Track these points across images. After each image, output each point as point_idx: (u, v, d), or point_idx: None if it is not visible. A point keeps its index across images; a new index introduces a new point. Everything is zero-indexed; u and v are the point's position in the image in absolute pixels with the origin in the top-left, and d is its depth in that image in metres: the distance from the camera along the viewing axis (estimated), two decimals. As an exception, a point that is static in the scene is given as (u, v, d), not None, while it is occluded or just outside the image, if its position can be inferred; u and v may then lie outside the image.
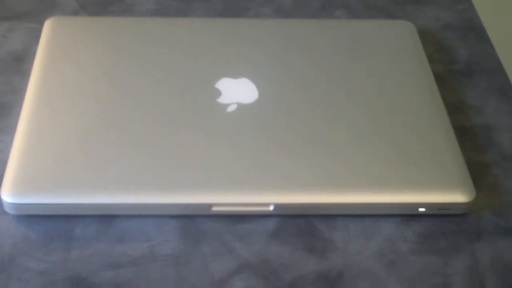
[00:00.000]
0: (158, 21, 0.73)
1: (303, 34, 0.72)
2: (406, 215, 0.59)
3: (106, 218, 0.57)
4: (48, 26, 0.70)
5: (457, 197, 0.58)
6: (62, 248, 0.55)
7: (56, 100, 0.62)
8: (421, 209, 0.59)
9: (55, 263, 0.54)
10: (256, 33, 0.71)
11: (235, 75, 0.66)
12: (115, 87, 0.64)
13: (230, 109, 0.63)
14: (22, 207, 0.56)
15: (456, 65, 0.74)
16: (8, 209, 0.56)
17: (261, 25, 0.73)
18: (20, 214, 0.57)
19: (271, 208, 0.57)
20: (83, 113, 0.61)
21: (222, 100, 0.64)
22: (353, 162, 0.59)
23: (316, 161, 0.59)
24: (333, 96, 0.65)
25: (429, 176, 0.59)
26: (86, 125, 0.60)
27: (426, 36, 0.77)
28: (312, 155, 0.59)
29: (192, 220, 0.58)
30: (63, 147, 0.58)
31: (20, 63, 0.70)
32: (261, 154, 0.59)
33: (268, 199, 0.57)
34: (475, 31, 0.79)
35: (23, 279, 0.53)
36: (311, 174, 0.58)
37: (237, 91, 0.64)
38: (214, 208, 0.57)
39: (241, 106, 0.63)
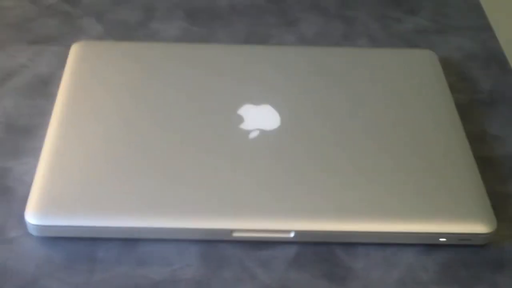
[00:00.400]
0: (183, 47, 0.74)
1: (326, 61, 0.72)
2: (427, 245, 0.59)
3: (128, 242, 0.58)
4: (74, 50, 0.71)
5: (478, 227, 0.58)
6: (84, 270, 0.56)
7: (81, 122, 0.63)
8: (442, 239, 0.59)
9: (77, 285, 0.55)
10: (279, 60, 0.72)
11: (257, 101, 0.66)
12: (140, 111, 0.65)
13: (252, 135, 0.63)
14: (46, 229, 0.56)
15: (479, 95, 0.74)
16: (32, 231, 0.57)
17: (284, 52, 0.74)
18: (44, 236, 0.57)
19: (292, 235, 0.58)
20: (108, 137, 0.62)
21: (244, 126, 0.64)
22: (374, 191, 0.59)
23: (337, 189, 0.59)
24: (355, 125, 0.65)
25: (450, 206, 0.59)
26: (110, 149, 0.61)
27: (448, 66, 0.77)
28: (333, 183, 0.60)
29: (213, 245, 0.58)
30: (87, 170, 0.59)
31: (46, 86, 0.71)
32: (282, 181, 0.59)
33: (289, 226, 0.57)
34: (498, 61, 0.79)
35: (45, 300, 0.54)
36: (332, 202, 0.58)
37: (260, 118, 0.65)
38: (235, 234, 0.57)
39: (263, 133, 0.63)
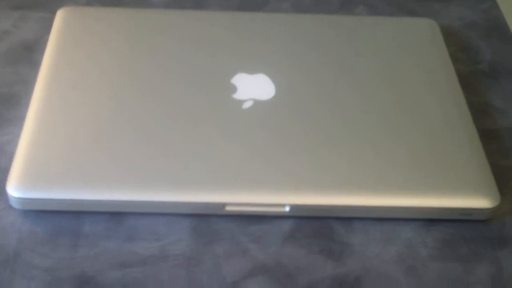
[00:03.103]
0: (173, 13, 0.71)
1: (323, 30, 0.69)
2: (427, 220, 0.57)
3: (116, 215, 0.55)
4: (60, 16, 0.68)
5: (481, 202, 0.56)
6: (69, 245, 0.53)
7: (66, 92, 0.60)
8: (443, 214, 0.56)
9: (61, 260, 0.52)
10: (274, 28, 0.69)
11: (251, 70, 0.64)
12: (127, 80, 0.62)
13: (246, 105, 0.61)
14: (29, 202, 0.54)
15: (480, 66, 0.72)
16: (15, 204, 0.54)
17: (279, 20, 0.71)
18: (27, 209, 0.55)
19: (287, 209, 0.55)
20: (94, 106, 0.59)
21: (237, 96, 0.61)
22: (373, 163, 0.57)
23: (335, 161, 0.57)
24: (353, 95, 0.62)
25: (451, 180, 0.57)
26: (97, 119, 0.58)
27: (449, 35, 0.74)
28: (330, 155, 0.57)
29: (204, 220, 0.56)
30: (72, 141, 0.56)
31: (30, 53, 0.68)
32: (277, 153, 0.57)
33: (284, 199, 0.55)
34: (499, 30, 0.76)
35: (27, 276, 0.51)
36: (329, 174, 0.56)
37: (254, 87, 0.62)
38: (228, 208, 0.55)
39: (257, 103, 0.61)
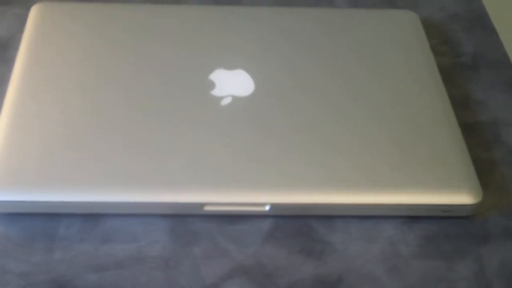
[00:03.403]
0: (149, 9, 0.69)
1: (302, 23, 0.68)
2: (409, 217, 0.56)
3: (91, 217, 0.54)
4: (34, 13, 0.66)
5: (463, 198, 0.55)
6: (44, 249, 0.52)
7: (41, 91, 0.59)
8: (424, 211, 0.55)
9: (36, 264, 0.51)
10: (253, 22, 0.68)
11: (230, 66, 0.63)
12: (103, 78, 0.60)
13: (225, 102, 0.60)
14: (2, 204, 0.52)
15: (461, 58, 0.71)
16: (-13, 207, 0.53)
17: (257, 14, 0.69)
18: (0, 212, 0.54)
19: (267, 208, 0.54)
20: (69, 105, 0.58)
21: (216, 92, 0.60)
22: (353, 160, 0.56)
23: (314, 158, 0.56)
24: (333, 90, 0.61)
25: (433, 176, 0.56)
26: (72, 118, 0.57)
27: (430, 27, 0.73)
28: (310, 153, 0.56)
29: (182, 220, 0.55)
30: (47, 141, 0.55)
31: (5, 50, 0.67)
32: (256, 151, 0.56)
33: (263, 198, 0.54)
34: (481, 22, 0.76)
35: (2, 281, 0.50)
36: (309, 172, 0.55)
37: (232, 83, 0.61)
38: (207, 208, 0.54)
39: (236, 99, 0.60)
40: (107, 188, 0.53)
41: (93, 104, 0.58)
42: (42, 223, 0.53)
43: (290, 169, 0.55)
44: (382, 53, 0.66)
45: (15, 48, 0.66)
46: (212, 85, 0.61)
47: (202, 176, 0.54)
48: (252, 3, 0.75)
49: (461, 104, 0.65)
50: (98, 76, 0.60)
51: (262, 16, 0.69)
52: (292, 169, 0.55)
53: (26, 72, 0.60)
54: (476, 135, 0.63)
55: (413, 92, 0.62)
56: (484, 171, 0.59)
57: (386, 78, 0.63)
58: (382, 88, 0.62)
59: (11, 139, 0.55)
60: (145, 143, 0.55)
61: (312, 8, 0.73)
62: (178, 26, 0.66)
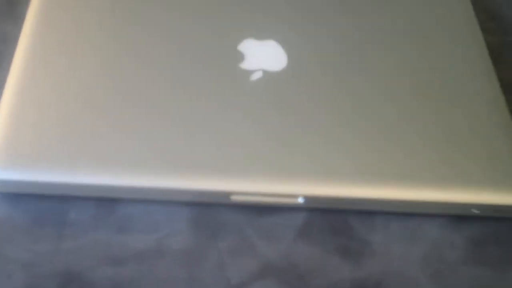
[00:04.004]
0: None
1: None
2: (456, 216, 0.51)
3: (106, 202, 0.48)
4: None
5: (517, 198, 0.50)
6: (52, 236, 0.47)
7: (53, 55, 0.53)
8: (474, 210, 0.50)
9: (42, 254, 0.46)
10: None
11: (261, 36, 0.56)
12: (121, 44, 0.54)
13: (255, 77, 0.54)
14: (7, 184, 0.47)
15: (510, 37, 0.65)
16: (-10, 185, 0.47)
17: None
18: (4, 192, 0.48)
19: (300, 200, 0.49)
20: (84, 74, 0.52)
21: (245, 65, 0.54)
22: (397, 151, 0.50)
23: (355, 146, 0.50)
24: (374, 69, 0.55)
25: (484, 172, 0.50)
26: (88, 89, 0.51)
27: (476, 1, 0.67)
28: (350, 140, 0.50)
29: (208, 209, 0.49)
30: (58, 114, 0.49)
31: (12, 6, 0.60)
32: (290, 135, 0.50)
33: (297, 189, 0.48)
34: (530, -2, 0.70)
35: (3, 272, 0.45)
36: (348, 162, 0.49)
37: (263, 56, 0.55)
38: (234, 197, 0.48)
39: (267, 74, 0.54)
40: (124, 170, 0.47)
41: (111, 74, 0.52)
42: (51, 206, 0.48)
43: (327, 157, 0.49)
44: (427, 30, 0.60)
45: (24, 4, 0.59)
46: (241, 57, 0.55)
47: (229, 162, 0.48)
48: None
49: (509, 90, 0.60)
50: (115, 44, 0.54)
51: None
52: (330, 157, 0.49)
53: (37, 32, 0.54)
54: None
55: (462, 77, 0.56)
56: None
57: (432, 61, 0.57)
58: (427, 70, 0.56)
59: (19, 109, 0.49)
60: (167, 122, 0.50)
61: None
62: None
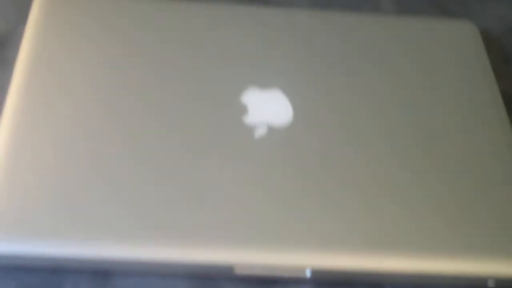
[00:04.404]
0: (171, 5, 0.59)
1: (346, 33, 0.59)
2: (473, 288, 0.48)
3: (101, 275, 0.46)
4: (39, 3, 0.56)
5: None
6: (44, 313, 0.44)
7: (46, 104, 0.49)
8: (490, 283, 0.47)
9: (34, 334, 0.43)
10: (290, 28, 0.58)
11: (264, 85, 0.53)
12: (117, 90, 0.51)
13: (259, 132, 0.51)
14: (-5, 257, 0.44)
15: (523, 82, 0.62)
16: (-25, 258, 0.44)
17: (294, 18, 0.59)
18: (-7, 264, 0.45)
19: (308, 273, 0.46)
20: (79, 128, 0.49)
21: (247, 119, 0.51)
22: (410, 218, 0.48)
23: (363, 214, 0.47)
24: (385, 124, 0.53)
25: (501, 239, 0.48)
26: (82, 146, 0.48)
27: (489, 42, 0.64)
28: (359, 206, 0.48)
29: (207, 282, 0.46)
30: (51, 178, 0.46)
31: (1, 48, 0.57)
32: (297, 201, 0.47)
33: (304, 261, 0.46)
34: (544, 37, 0.67)
35: None
36: (357, 231, 0.47)
37: (267, 108, 0.52)
38: (238, 271, 0.45)
39: (271, 129, 0.51)
40: (119, 242, 0.44)
41: (104, 138, 0.49)
42: (42, 281, 0.45)
43: (335, 226, 0.47)
44: (439, 75, 0.57)
45: (15, 46, 0.56)
46: (243, 108, 0.52)
47: (232, 232, 0.46)
48: (285, 2, 0.65)
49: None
50: (112, 88, 0.51)
51: (300, 22, 0.59)
52: (338, 226, 0.47)
53: (30, 77, 0.51)
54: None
55: (474, 129, 0.54)
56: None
57: (444, 113, 0.54)
58: (443, 126, 0.53)
59: (8, 171, 0.46)
60: (164, 186, 0.47)
61: (357, 14, 0.63)
62: (204, 31, 0.57)
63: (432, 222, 0.48)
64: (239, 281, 0.46)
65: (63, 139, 0.48)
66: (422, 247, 0.47)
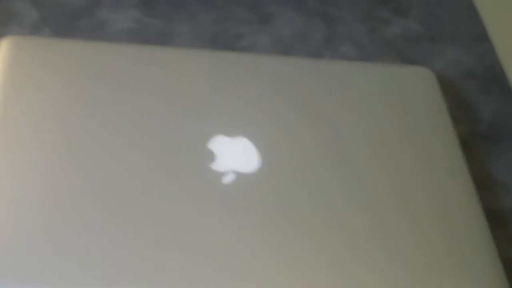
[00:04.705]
0: (135, 51, 0.60)
1: (309, 80, 0.60)
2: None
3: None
4: (5, 48, 0.57)
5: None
6: None
7: (18, 153, 0.50)
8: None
9: None
10: (255, 74, 0.59)
11: (230, 132, 0.55)
12: (85, 134, 0.52)
13: (227, 179, 0.52)
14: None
15: (479, 126, 0.64)
16: None
17: (259, 64, 0.61)
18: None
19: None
20: (52, 175, 0.49)
21: (215, 166, 0.52)
22: (372, 263, 0.49)
23: (330, 263, 0.49)
24: (349, 169, 0.54)
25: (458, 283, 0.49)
26: (56, 196, 0.48)
27: (444, 86, 0.67)
28: (325, 253, 0.49)
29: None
30: (22, 225, 0.46)
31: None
32: (263, 248, 0.48)
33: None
34: (497, 80, 0.69)
35: None
36: (326, 279, 0.48)
37: (235, 156, 0.53)
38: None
39: (239, 176, 0.52)
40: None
41: (76, 177, 0.49)
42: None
43: (303, 274, 0.48)
44: (397, 123, 0.58)
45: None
46: (210, 155, 0.53)
47: (196, 276, 0.46)
48: (251, 45, 0.67)
49: (481, 185, 0.59)
50: (77, 149, 0.51)
51: (264, 68, 0.61)
52: (305, 274, 0.48)
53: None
54: (500, 226, 0.57)
55: (433, 174, 0.55)
56: None
57: (402, 157, 0.56)
58: (399, 166, 0.55)
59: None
60: (131, 232, 0.47)
61: (318, 60, 0.65)
62: (171, 76, 0.58)
63: (391, 264, 0.49)
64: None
65: (35, 178, 0.48)
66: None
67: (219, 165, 0.53)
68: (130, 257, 0.46)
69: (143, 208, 0.49)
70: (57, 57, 0.57)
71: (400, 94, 0.61)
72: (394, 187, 0.54)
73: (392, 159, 0.56)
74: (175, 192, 0.50)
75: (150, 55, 0.59)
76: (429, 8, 0.75)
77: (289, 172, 0.53)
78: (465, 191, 0.55)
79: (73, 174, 0.50)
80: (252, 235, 0.49)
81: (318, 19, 0.71)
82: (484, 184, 0.59)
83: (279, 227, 0.50)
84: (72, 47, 0.59)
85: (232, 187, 0.51)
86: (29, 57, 0.57)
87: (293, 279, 0.47)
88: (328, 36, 0.69)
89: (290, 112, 0.57)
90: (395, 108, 0.60)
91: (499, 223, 0.57)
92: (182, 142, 0.53)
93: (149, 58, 0.59)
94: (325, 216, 0.51)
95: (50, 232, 0.46)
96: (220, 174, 0.52)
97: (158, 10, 0.68)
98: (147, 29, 0.66)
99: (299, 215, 0.50)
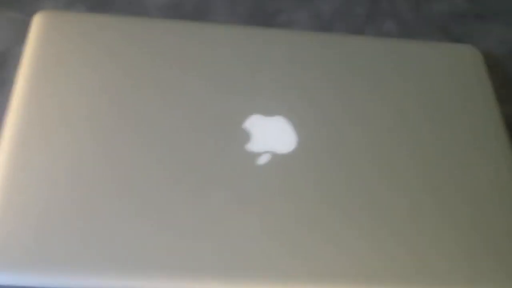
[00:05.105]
0: (171, 26, 0.58)
1: (349, 55, 0.58)
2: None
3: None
4: (37, 23, 0.55)
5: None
6: None
7: (46, 132, 0.49)
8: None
9: None
10: (292, 51, 0.57)
11: (267, 112, 0.53)
12: (116, 114, 0.50)
13: (262, 160, 0.50)
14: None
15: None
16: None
17: (298, 40, 0.59)
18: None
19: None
20: (79, 155, 0.48)
21: (251, 147, 0.51)
22: (408, 251, 0.47)
23: (363, 246, 0.47)
24: (387, 151, 0.52)
25: (499, 274, 0.47)
26: (82, 176, 0.47)
27: (491, 65, 0.64)
28: (359, 238, 0.47)
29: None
30: (47, 207, 0.45)
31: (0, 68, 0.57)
32: (294, 233, 0.47)
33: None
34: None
35: None
36: (357, 264, 0.46)
37: (271, 136, 0.52)
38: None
39: (275, 157, 0.50)
40: (112, 274, 0.44)
41: (104, 172, 0.48)
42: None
43: (334, 258, 0.46)
44: (441, 101, 0.56)
45: (13, 65, 0.55)
46: (245, 136, 0.51)
47: (229, 261, 0.45)
48: (289, 21, 0.65)
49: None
50: (111, 130, 0.50)
51: (302, 43, 0.58)
52: (337, 259, 0.46)
53: (28, 99, 0.50)
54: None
55: (476, 158, 0.53)
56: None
57: (445, 139, 0.54)
58: (441, 153, 0.53)
59: (4, 198, 0.45)
60: (164, 215, 0.46)
61: (360, 37, 0.63)
62: (206, 53, 0.56)
63: (430, 256, 0.47)
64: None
65: (64, 161, 0.47)
66: (420, 281, 0.46)
67: (254, 146, 0.51)
68: (165, 242, 0.45)
69: (178, 190, 0.47)
70: (91, 33, 0.56)
71: (445, 73, 0.59)
72: (434, 169, 0.52)
73: (433, 138, 0.53)
74: (211, 174, 0.49)
75: (186, 31, 0.58)
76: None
77: (324, 153, 0.51)
78: (509, 173, 0.52)
79: (105, 155, 0.48)
80: (290, 216, 0.47)
81: (360, -5, 0.68)
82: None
83: (309, 211, 0.48)
84: (106, 23, 0.57)
85: (268, 167, 0.50)
86: (62, 32, 0.55)
87: (336, 258, 0.46)
88: (370, 12, 0.67)
89: (328, 92, 0.55)
90: (439, 87, 0.57)
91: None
92: (217, 120, 0.51)
93: (185, 34, 0.57)
94: (358, 199, 0.49)
95: (77, 219, 0.45)
96: (256, 155, 0.50)
97: (194, -15, 0.66)
98: (183, 4, 0.65)
99: (332, 199, 0.49)
